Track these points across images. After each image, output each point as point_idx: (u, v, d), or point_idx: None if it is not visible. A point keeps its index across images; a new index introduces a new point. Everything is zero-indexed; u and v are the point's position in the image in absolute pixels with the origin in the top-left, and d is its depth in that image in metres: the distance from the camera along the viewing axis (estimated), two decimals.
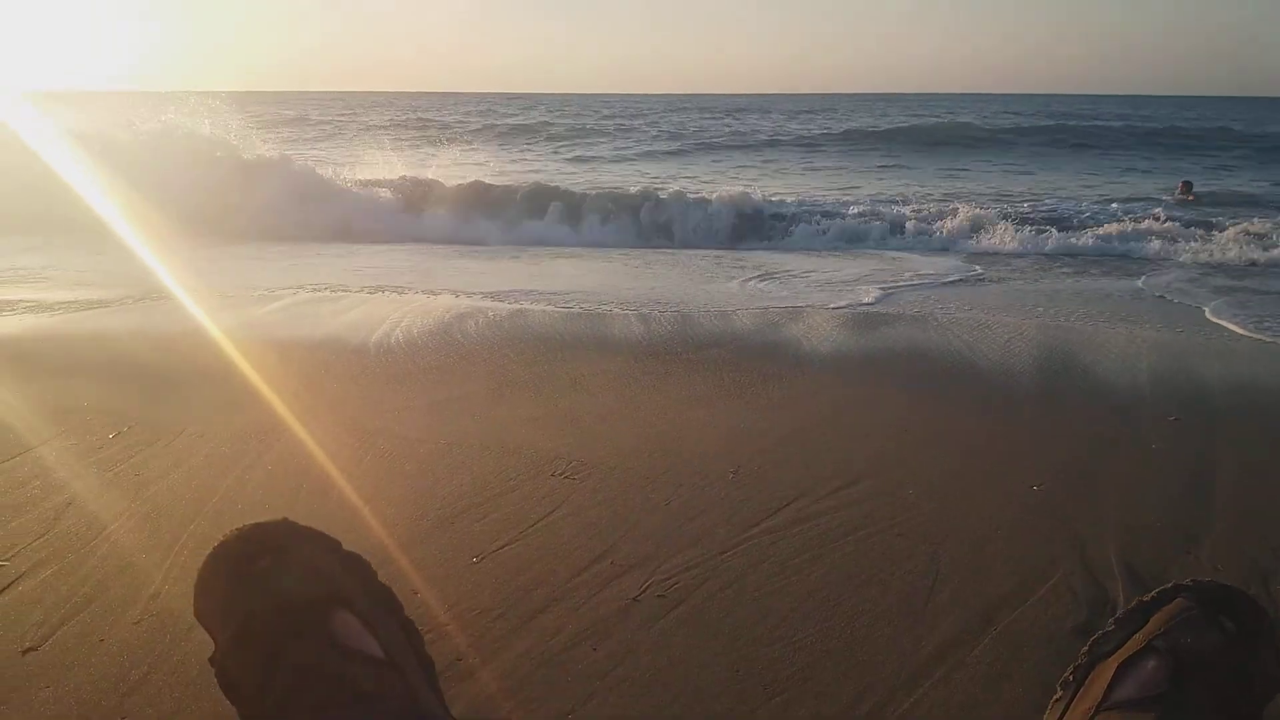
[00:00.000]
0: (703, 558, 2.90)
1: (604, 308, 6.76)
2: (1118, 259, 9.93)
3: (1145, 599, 1.29)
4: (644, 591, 2.69)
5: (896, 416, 4.36)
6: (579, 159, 27.11)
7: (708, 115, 52.98)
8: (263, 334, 5.86)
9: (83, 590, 2.71)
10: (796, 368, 5.19)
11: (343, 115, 51.59)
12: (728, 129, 38.32)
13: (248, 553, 1.18)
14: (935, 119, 38.47)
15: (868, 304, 7.11)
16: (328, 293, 7.30)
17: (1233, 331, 6.24)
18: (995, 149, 28.08)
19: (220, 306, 6.66)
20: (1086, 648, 1.28)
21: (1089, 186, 19.12)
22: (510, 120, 44.59)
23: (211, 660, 1.17)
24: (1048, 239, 10.86)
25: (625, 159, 27.27)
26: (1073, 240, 10.83)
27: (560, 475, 3.53)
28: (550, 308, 6.74)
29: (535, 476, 3.52)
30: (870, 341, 5.86)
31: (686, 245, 11.94)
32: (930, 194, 16.78)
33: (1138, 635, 1.23)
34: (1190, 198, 15.19)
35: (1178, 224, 11.31)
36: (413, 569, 2.81)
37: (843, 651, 2.44)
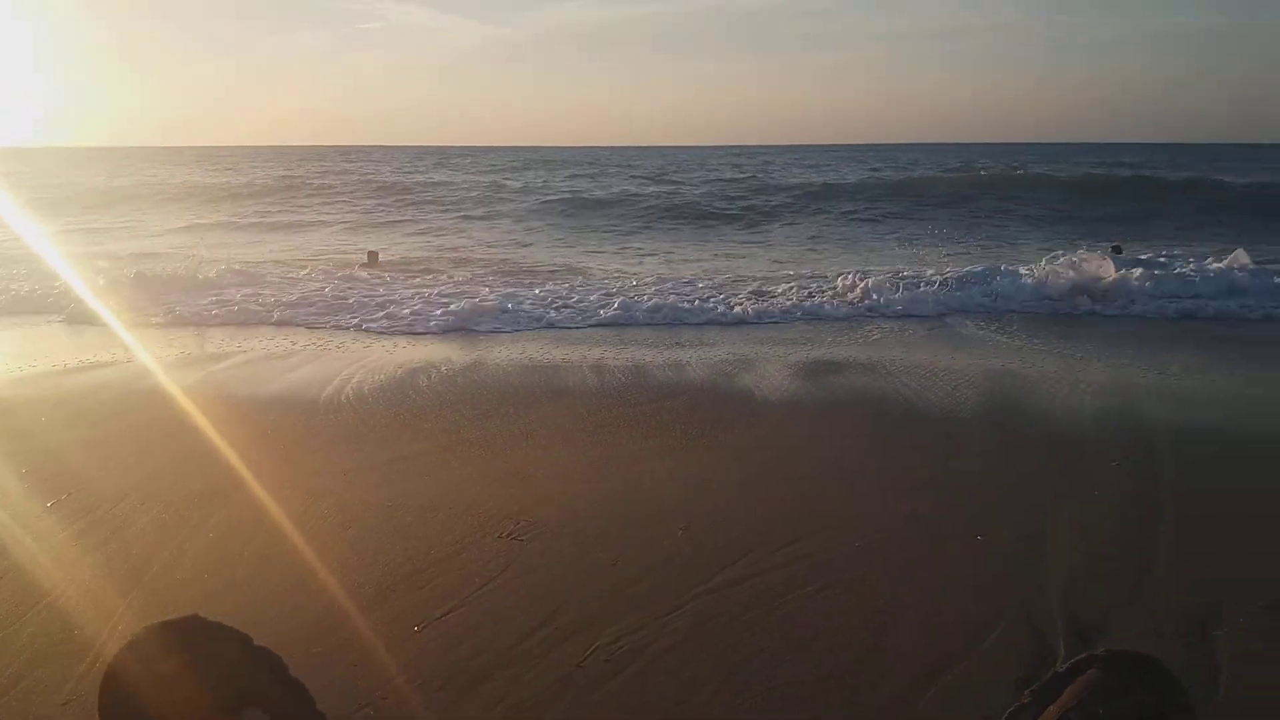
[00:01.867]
0: (649, 619, 2.88)
1: (559, 361, 6.77)
2: None
3: (1060, 670, 1.30)
4: (588, 657, 2.66)
5: (845, 466, 4.38)
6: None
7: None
8: (211, 394, 5.78)
9: (11, 669, 2.63)
10: (749, 419, 5.21)
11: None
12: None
13: (153, 655, 1.16)
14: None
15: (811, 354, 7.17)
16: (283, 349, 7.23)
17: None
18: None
19: (163, 369, 6.57)
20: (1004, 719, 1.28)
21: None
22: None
23: None
24: None
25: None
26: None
27: (507, 536, 3.50)
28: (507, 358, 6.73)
29: (481, 539, 3.48)
30: (819, 392, 5.89)
31: None
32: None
33: (1051, 708, 1.23)
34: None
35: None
36: (352, 640, 2.76)
37: (787, 711, 2.42)
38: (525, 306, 9.16)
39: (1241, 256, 10.72)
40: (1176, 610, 2.93)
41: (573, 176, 35.95)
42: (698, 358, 6.83)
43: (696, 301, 9.33)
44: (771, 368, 6.44)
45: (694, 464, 4.39)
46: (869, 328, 8.28)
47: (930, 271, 10.50)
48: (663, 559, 3.32)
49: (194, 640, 1.21)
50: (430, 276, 12.20)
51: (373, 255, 14.62)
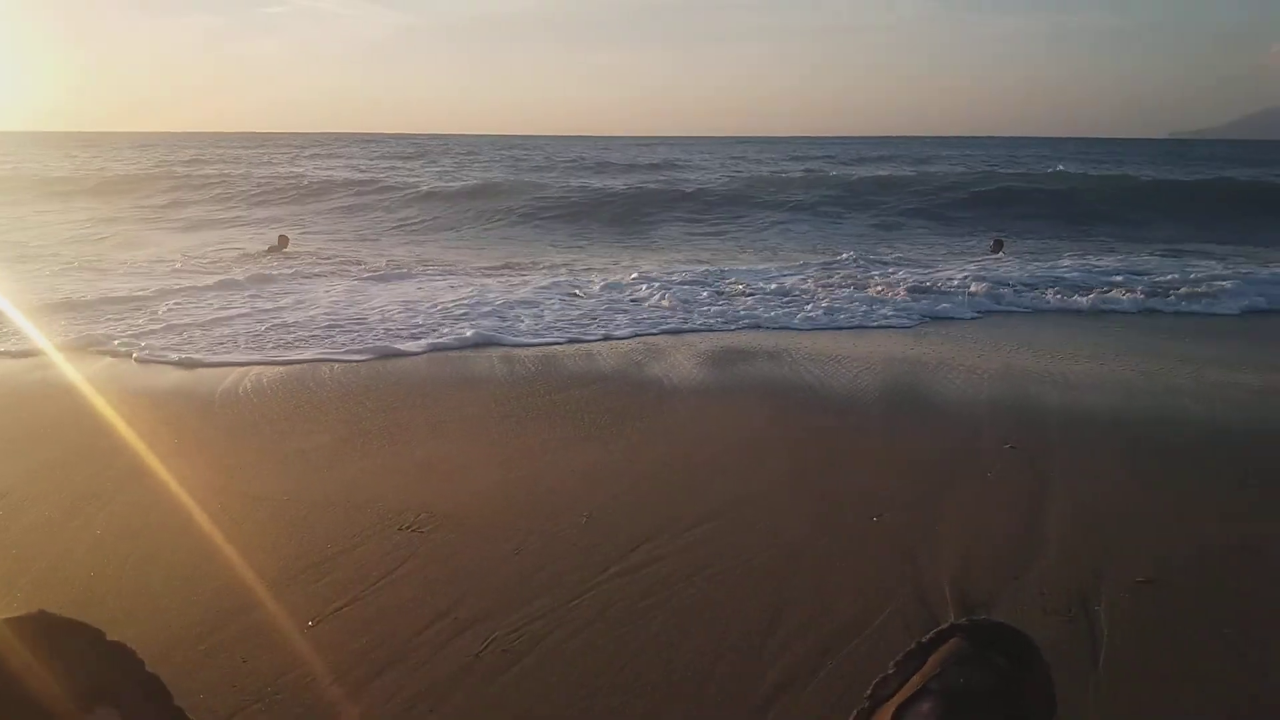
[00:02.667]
0: (549, 608, 2.87)
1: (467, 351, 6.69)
2: None
3: (924, 640, 1.33)
4: (486, 648, 2.64)
5: (746, 453, 4.43)
6: None
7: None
8: (104, 387, 5.55)
9: None
10: (655, 406, 5.23)
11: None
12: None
13: None
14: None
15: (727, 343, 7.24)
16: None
17: None
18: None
19: (55, 362, 6.29)
20: (869, 691, 1.31)
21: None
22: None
23: None
24: None
25: None
26: None
27: (408, 529, 3.45)
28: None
29: (381, 531, 3.42)
30: (725, 379, 5.95)
31: None
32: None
33: (915, 677, 1.26)
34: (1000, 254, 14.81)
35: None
36: (243, 636, 2.68)
37: (685, 693, 2.44)
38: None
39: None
40: (1061, 587, 3.05)
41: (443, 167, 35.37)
42: (608, 349, 6.83)
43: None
44: (680, 356, 6.48)
45: (599, 453, 4.39)
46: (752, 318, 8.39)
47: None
48: (565, 547, 3.31)
49: (41, 637, 1.15)
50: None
51: (283, 239, 14.06)
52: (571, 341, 7.15)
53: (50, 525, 3.50)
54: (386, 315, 8.01)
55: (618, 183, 25.77)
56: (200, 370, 6.04)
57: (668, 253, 14.73)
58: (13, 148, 51.95)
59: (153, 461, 4.19)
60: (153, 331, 7.29)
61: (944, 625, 1.35)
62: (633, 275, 10.69)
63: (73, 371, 5.98)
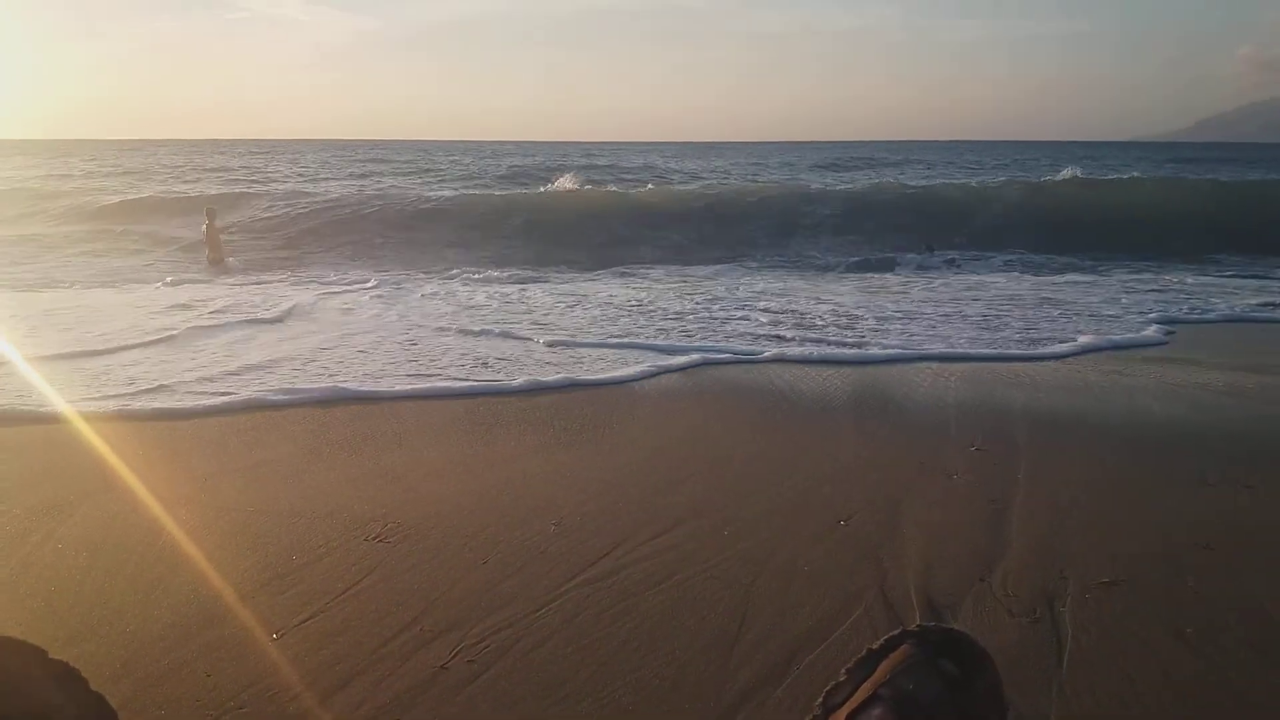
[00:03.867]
0: (517, 617, 2.86)
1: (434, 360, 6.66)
2: None
3: (874, 647, 1.34)
4: (453, 658, 2.63)
5: (716, 457, 4.45)
6: None
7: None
8: (65, 399, 5.48)
9: None
10: (626, 413, 5.24)
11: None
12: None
13: None
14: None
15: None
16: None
17: None
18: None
19: (18, 373, 6.20)
20: (821, 699, 1.32)
21: None
22: None
23: None
24: None
25: None
26: None
27: (374, 539, 3.43)
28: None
29: (347, 542, 3.40)
30: (694, 385, 5.97)
31: None
32: None
33: (865, 684, 1.27)
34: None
35: None
36: (206, 650, 2.65)
37: (654, 699, 2.44)
38: None
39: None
40: (1026, 588, 3.08)
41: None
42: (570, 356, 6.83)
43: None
44: (648, 364, 6.48)
45: (568, 461, 4.39)
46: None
47: None
48: (533, 555, 3.30)
49: None
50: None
51: (211, 214, 13.95)
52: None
53: (9, 538, 3.45)
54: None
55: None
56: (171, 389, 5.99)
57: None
58: None
59: (118, 473, 4.14)
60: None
61: (893, 632, 1.37)
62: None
63: (36, 381, 5.90)
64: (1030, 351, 6.96)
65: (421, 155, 54.79)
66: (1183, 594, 3.06)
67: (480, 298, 9.94)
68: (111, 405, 5.32)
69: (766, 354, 6.75)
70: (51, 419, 5.07)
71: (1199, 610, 2.94)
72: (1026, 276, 12.45)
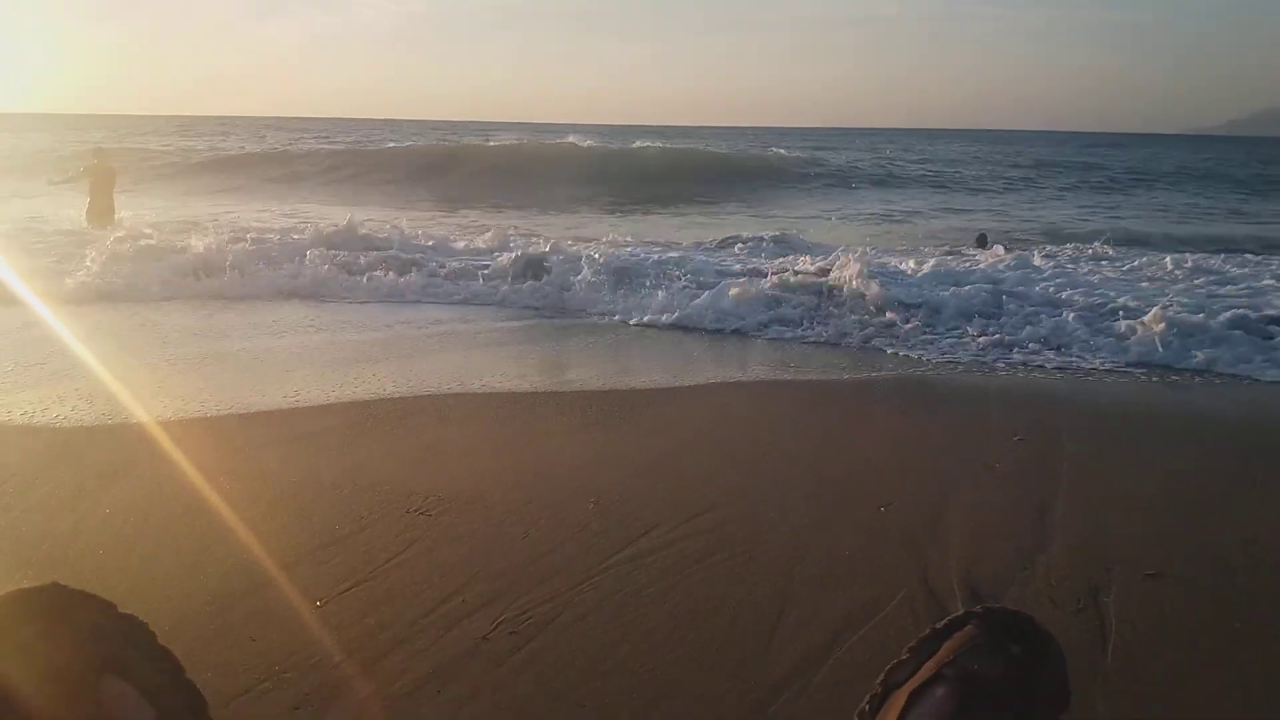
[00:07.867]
0: (557, 591, 2.87)
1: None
2: None
3: (938, 626, 1.32)
4: (494, 629, 2.64)
5: (753, 443, 4.42)
6: None
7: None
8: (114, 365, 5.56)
9: None
10: (665, 394, 5.23)
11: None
12: None
13: (10, 623, 1.10)
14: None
15: None
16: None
17: None
18: None
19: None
20: (882, 677, 1.30)
21: None
22: None
23: None
24: None
25: None
26: None
27: (416, 512, 3.45)
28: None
29: (389, 514, 3.42)
30: (735, 367, 5.95)
31: None
32: None
33: (929, 663, 1.25)
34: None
35: None
36: (251, 616, 2.69)
37: (692, 680, 2.44)
38: None
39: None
40: (1069, 578, 3.04)
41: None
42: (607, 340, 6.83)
43: None
44: (691, 343, 6.47)
45: (607, 441, 4.39)
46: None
47: None
48: (573, 532, 3.31)
49: (52, 607, 1.15)
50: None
51: (102, 156, 13.34)
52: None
53: (59, 504, 3.51)
54: None
55: None
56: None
57: None
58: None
59: (162, 441, 4.20)
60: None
61: (958, 613, 1.35)
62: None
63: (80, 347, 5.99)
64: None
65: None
66: (1230, 590, 3.00)
67: None
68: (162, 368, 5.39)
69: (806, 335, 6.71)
70: (91, 384, 5.13)
71: (1246, 607, 2.89)
72: None
